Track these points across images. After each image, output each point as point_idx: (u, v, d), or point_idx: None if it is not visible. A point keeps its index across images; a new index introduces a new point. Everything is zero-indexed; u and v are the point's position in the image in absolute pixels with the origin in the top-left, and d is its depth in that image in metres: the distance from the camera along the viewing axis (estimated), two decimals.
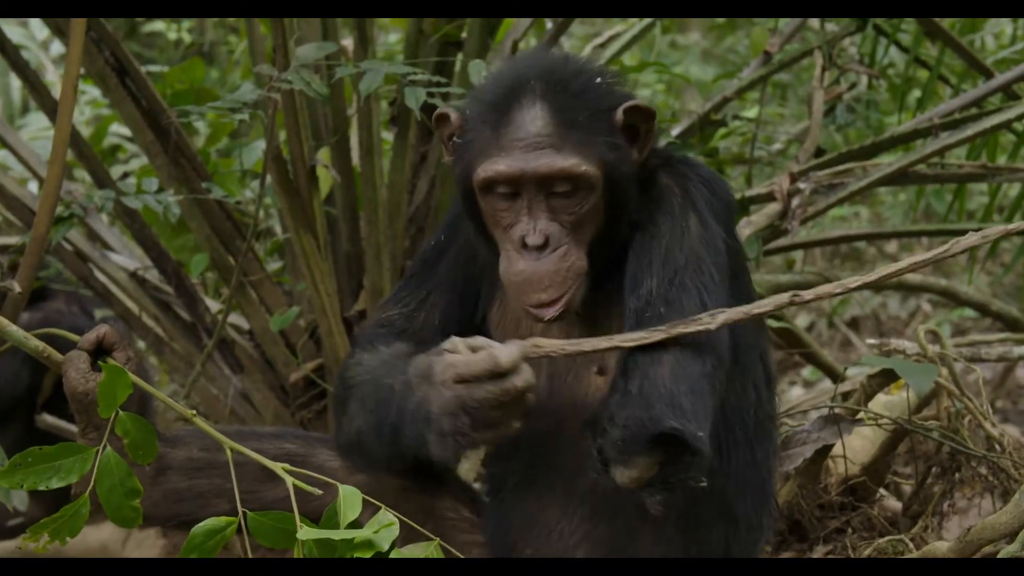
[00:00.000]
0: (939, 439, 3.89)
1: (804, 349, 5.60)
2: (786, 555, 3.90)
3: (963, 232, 5.75)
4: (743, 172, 6.15)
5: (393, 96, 4.65)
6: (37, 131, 7.63)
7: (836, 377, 5.34)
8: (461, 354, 2.53)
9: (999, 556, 3.05)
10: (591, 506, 2.90)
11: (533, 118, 2.77)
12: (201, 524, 2.53)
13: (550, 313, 2.75)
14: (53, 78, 7.91)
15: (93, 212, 4.78)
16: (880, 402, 4.07)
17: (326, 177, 4.67)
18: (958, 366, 4.00)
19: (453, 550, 2.60)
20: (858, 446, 4.06)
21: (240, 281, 4.50)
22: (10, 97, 8.66)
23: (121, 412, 2.61)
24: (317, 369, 4.65)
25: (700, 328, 2.61)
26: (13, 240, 5.02)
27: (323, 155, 4.66)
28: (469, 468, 3.76)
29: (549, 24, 5.11)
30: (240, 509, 2.53)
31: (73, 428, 5.16)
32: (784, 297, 2.61)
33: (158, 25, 9.32)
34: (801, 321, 8.99)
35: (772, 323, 4.64)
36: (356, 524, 2.47)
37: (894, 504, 4.19)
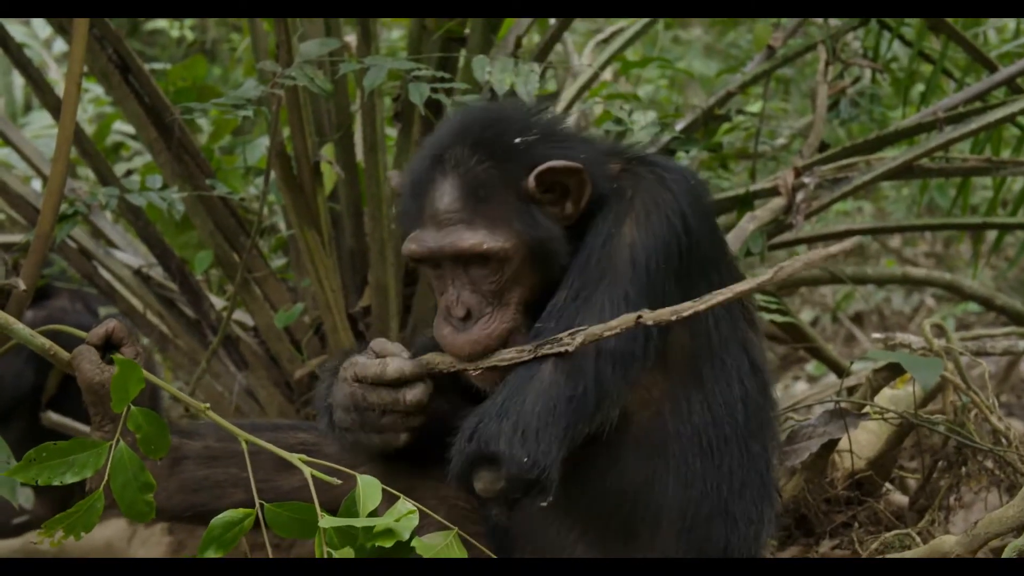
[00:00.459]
0: (945, 433, 3.88)
1: (809, 344, 5.59)
2: (792, 549, 3.89)
3: (967, 227, 5.79)
4: (747, 167, 6.15)
5: (397, 92, 4.64)
6: (40, 129, 7.62)
7: (841, 372, 5.34)
8: (368, 356, 2.71)
9: (1006, 550, 3.05)
10: (588, 504, 2.89)
11: (442, 194, 2.80)
12: (219, 516, 2.54)
13: (476, 374, 2.80)
14: (56, 76, 7.89)
15: (97, 209, 4.78)
16: (886, 396, 4.06)
17: (330, 173, 4.68)
18: (963, 360, 3.99)
19: (470, 538, 2.65)
20: (864, 440, 4.05)
21: (244, 278, 4.50)
22: (12, 95, 8.66)
23: (133, 407, 2.61)
24: (322, 365, 4.64)
25: (560, 349, 2.63)
26: (17, 238, 5.02)
27: (327, 151, 4.66)
28: None
29: (552, 20, 5.10)
30: (257, 500, 2.54)
31: (79, 426, 5.19)
32: (630, 317, 2.59)
33: (160, 23, 9.30)
34: (805, 316, 8.99)
35: (777, 318, 4.63)
36: (373, 514, 2.48)
37: (900, 498, 4.19)
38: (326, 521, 2.45)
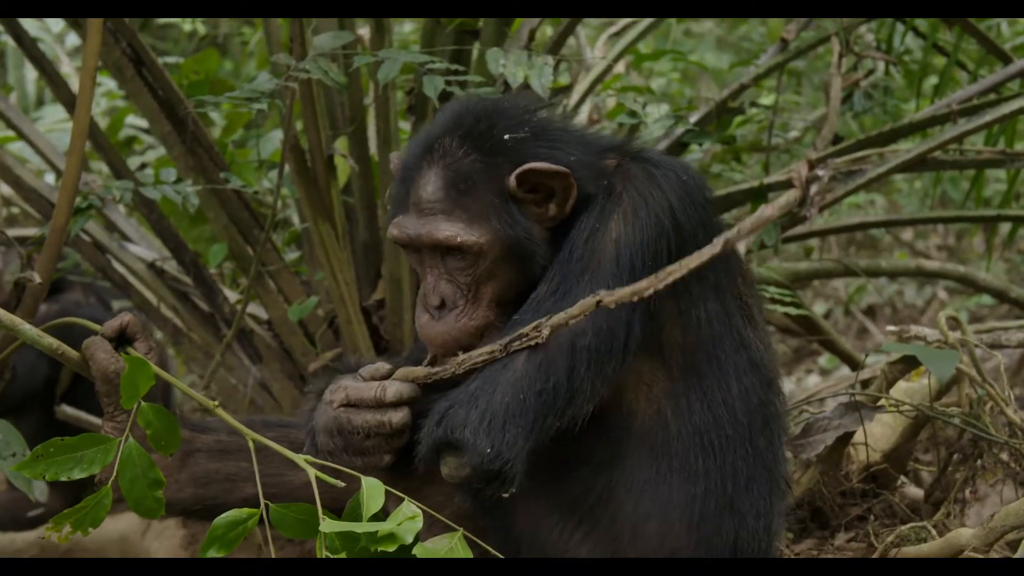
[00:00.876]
0: (960, 426, 3.88)
1: (822, 336, 5.58)
2: (807, 542, 3.89)
3: (981, 219, 5.78)
4: (760, 160, 6.14)
5: (410, 85, 4.64)
6: (53, 123, 7.64)
7: (854, 364, 5.34)
8: (357, 381, 2.72)
9: (1023, 545, 3.05)
10: (594, 502, 2.88)
11: (426, 182, 2.82)
12: (223, 516, 2.54)
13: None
14: (68, 70, 7.90)
15: (111, 203, 4.78)
16: (900, 389, 4.05)
17: (344, 167, 4.67)
18: (978, 353, 3.98)
19: (477, 539, 2.62)
20: (879, 433, 4.05)
21: (258, 271, 4.50)
22: (25, 90, 8.67)
23: (143, 403, 2.61)
24: (336, 358, 4.64)
25: (530, 343, 2.62)
26: (32, 231, 5.03)
27: (340, 144, 4.66)
28: None
29: None
30: (262, 500, 2.54)
31: (93, 419, 5.21)
32: (590, 301, 2.56)
33: None
34: (818, 309, 8.98)
35: (791, 311, 4.62)
36: (379, 515, 2.47)
37: (915, 491, 4.18)
38: (327, 525, 2.45)
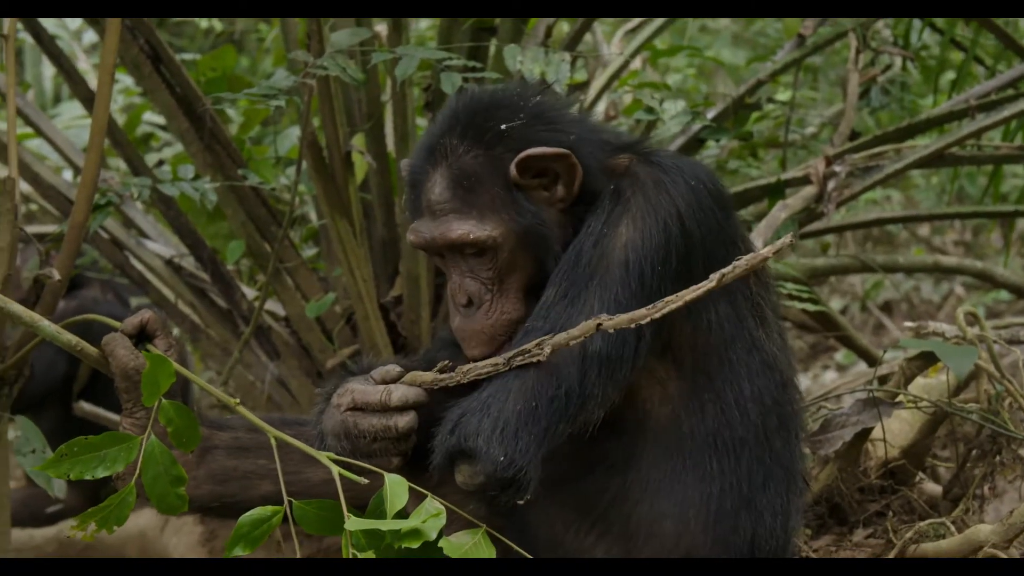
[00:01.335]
0: (979, 422, 3.87)
1: (840, 332, 5.58)
2: (826, 538, 3.89)
3: (999, 215, 5.76)
4: (777, 156, 6.13)
5: (427, 82, 4.64)
6: (70, 120, 7.66)
7: (872, 360, 5.33)
8: (365, 383, 2.71)
9: None
10: (610, 501, 2.89)
11: (433, 184, 2.85)
12: (248, 514, 2.54)
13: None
14: (85, 66, 7.93)
15: (129, 200, 4.79)
16: (919, 385, 4.05)
17: (361, 163, 4.68)
18: (996, 348, 3.98)
19: (499, 535, 2.64)
20: (897, 429, 4.04)
21: (276, 268, 4.50)
22: (42, 86, 8.70)
23: (164, 400, 2.62)
24: (353, 355, 4.65)
25: (531, 359, 2.62)
26: (51, 228, 5.04)
27: (358, 141, 4.66)
28: None
29: None
30: (285, 497, 2.54)
31: (111, 416, 5.22)
32: (591, 324, 2.57)
33: None
34: (834, 305, 8.97)
35: (808, 307, 4.62)
36: (401, 513, 2.48)
37: (933, 487, 4.17)
38: (352, 523, 2.45)
